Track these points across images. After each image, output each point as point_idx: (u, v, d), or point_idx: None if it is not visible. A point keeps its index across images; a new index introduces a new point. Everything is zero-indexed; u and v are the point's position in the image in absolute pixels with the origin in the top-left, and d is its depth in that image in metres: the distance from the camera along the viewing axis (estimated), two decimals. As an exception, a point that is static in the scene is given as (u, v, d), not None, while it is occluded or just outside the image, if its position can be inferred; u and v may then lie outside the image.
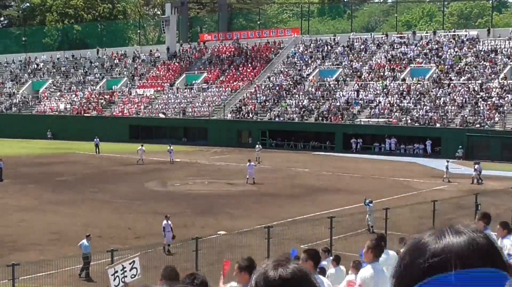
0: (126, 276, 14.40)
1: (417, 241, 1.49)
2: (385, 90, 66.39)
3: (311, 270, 2.26)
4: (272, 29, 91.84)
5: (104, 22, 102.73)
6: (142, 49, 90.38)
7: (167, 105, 75.73)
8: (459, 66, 66.28)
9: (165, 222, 25.43)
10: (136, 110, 76.65)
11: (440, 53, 69.06)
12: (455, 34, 71.83)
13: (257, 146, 57.40)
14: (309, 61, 75.67)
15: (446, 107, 61.29)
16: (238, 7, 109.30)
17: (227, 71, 79.18)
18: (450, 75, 65.60)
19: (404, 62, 69.96)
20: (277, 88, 72.25)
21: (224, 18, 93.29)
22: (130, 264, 14.71)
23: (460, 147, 56.08)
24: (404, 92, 65.06)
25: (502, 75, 62.70)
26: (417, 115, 61.50)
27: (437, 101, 62.41)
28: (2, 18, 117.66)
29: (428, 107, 61.89)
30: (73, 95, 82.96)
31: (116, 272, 14.34)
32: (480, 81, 62.47)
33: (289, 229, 25.53)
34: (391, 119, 62.47)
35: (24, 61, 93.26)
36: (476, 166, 43.28)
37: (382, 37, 76.06)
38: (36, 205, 34.69)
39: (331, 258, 14.91)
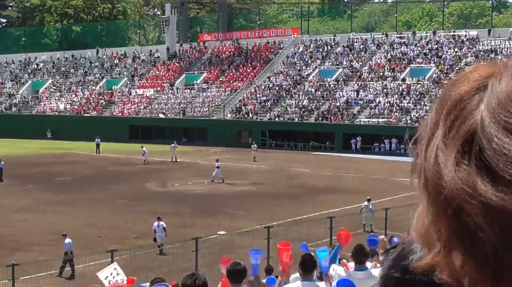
0: (117, 281, 14.92)
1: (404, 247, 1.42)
2: (385, 90, 66.40)
3: None
4: (272, 29, 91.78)
5: (104, 22, 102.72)
6: (142, 49, 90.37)
7: (167, 106, 75.74)
8: (459, 66, 66.28)
9: (155, 223, 25.74)
10: (136, 110, 76.65)
11: (440, 53, 69.08)
12: (455, 34, 71.85)
13: (253, 145, 57.63)
14: (309, 61, 75.67)
15: (446, 107, 61.29)
16: (238, 7, 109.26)
17: (227, 71, 79.17)
18: (450, 76, 65.58)
19: (404, 62, 69.98)
20: (277, 88, 72.26)
21: (224, 18, 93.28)
22: (114, 270, 15.35)
23: (460, 147, 56.04)
24: (404, 93, 65.08)
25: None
26: (417, 115, 61.52)
27: (437, 101, 62.40)
28: (1, 19, 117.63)
29: (428, 108, 61.86)
30: (73, 96, 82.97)
31: (107, 277, 14.97)
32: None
33: (289, 229, 25.51)
34: (391, 120, 62.48)
35: (24, 61, 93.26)
36: None
37: (382, 37, 76.07)
38: (36, 205, 34.69)
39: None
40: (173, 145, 54.77)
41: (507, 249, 0.81)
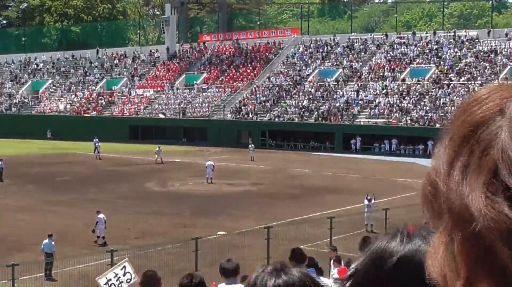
0: (122, 282, 14.34)
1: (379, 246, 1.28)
2: (384, 90, 66.42)
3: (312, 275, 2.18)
4: (272, 29, 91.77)
5: (104, 22, 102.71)
6: (142, 49, 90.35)
7: (167, 106, 75.74)
8: (459, 66, 66.30)
9: (99, 216, 27.11)
10: (136, 110, 76.65)
11: (440, 54, 69.08)
12: (455, 35, 71.87)
13: (250, 145, 57.72)
14: (309, 62, 75.67)
15: (446, 107, 61.32)
16: (238, 8, 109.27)
17: (227, 71, 79.17)
18: (450, 76, 65.62)
19: (404, 62, 69.98)
20: (277, 88, 72.27)
21: (224, 18, 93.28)
22: (121, 270, 14.62)
23: (460, 147, 56.06)
24: (404, 93, 65.08)
25: (501, 75, 62.73)
26: (416, 115, 61.51)
27: (437, 101, 62.44)
28: (1, 19, 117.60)
29: (428, 108, 61.91)
30: (73, 96, 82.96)
31: (110, 280, 14.27)
32: (479, 82, 62.48)
33: (289, 229, 25.54)
34: (390, 120, 62.49)
35: (24, 61, 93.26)
36: None
37: (382, 37, 76.06)
38: (36, 205, 34.69)
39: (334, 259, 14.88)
40: (157, 149, 54.11)
41: None
